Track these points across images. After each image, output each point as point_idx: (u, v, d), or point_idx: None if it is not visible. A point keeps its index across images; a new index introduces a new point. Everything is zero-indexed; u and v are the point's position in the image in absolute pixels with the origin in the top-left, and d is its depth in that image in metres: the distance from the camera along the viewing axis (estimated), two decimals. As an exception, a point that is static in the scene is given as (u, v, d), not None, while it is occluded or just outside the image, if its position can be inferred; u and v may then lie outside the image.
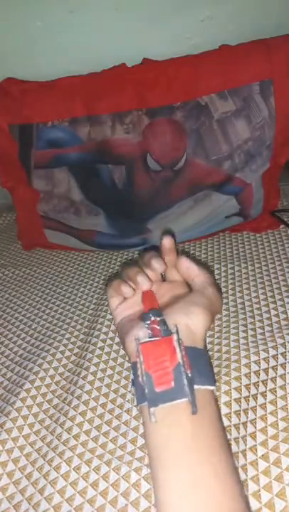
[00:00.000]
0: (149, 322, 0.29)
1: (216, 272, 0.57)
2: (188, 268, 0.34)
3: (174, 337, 0.27)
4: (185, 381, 0.25)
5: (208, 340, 0.44)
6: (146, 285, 0.32)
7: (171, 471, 0.24)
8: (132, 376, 0.29)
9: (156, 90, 0.56)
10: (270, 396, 0.36)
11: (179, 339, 0.27)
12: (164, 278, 0.37)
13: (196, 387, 0.25)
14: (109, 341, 0.47)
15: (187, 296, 0.32)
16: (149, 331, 0.29)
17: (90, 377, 0.42)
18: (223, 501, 0.23)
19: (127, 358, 0.44)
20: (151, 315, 0.30)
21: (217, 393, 0.35)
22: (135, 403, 0.27)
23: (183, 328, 0.28)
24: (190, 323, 0.29)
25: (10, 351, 0.49)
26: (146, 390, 0.25)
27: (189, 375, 0.25)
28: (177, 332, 0.27)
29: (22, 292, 0.62)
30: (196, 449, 0.24)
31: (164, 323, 0.29)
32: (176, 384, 0.25)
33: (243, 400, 0.35)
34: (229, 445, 0.29)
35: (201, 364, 0.27)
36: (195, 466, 0.23)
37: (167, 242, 0.34)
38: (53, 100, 0.58)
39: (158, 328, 0.28)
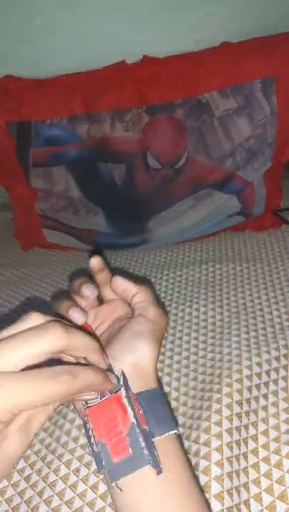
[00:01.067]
0: None
1: (218, 272, 0.57)
2: (125, 289, 0.30)
3: (123, 393, 0.24)
4: (142, 444, 0.23)
5: (209, 341, 0.44)
6: (80, 320, 0.27)
7: None
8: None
9: (156, 88, 0.56)
10: (272, 398, 0.35)
11: (128, 393, 0.24)
12: (100, 299, 0.33)
13: (156, 439, 0.24)
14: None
15: (129, 326, 0.28)
16: None
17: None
18: None
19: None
20: None
21: (219, 395, 0.35)
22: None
23: (131, 371, 0.25)
24: (138, 361, 0.26)
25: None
26: (104, 462, 0.23)
27: (147, 429, 0.24)
28: (125, 382, 0.25)
29: (20, 293, 0.61)
30: (164, 508, 0.23)
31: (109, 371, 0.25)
32: (133, 450, 0.23)
33: (244, 402, 0.35)
34: (199, 486, 0.27)
35: (158, 409, 0.25)
36: None
37: (95, 262, 0.30)
38: (52, 98, 0.58)
39: None
